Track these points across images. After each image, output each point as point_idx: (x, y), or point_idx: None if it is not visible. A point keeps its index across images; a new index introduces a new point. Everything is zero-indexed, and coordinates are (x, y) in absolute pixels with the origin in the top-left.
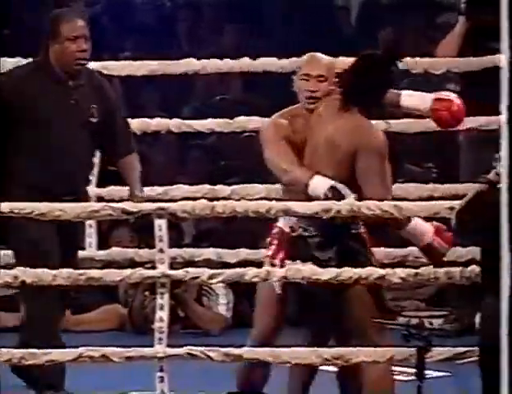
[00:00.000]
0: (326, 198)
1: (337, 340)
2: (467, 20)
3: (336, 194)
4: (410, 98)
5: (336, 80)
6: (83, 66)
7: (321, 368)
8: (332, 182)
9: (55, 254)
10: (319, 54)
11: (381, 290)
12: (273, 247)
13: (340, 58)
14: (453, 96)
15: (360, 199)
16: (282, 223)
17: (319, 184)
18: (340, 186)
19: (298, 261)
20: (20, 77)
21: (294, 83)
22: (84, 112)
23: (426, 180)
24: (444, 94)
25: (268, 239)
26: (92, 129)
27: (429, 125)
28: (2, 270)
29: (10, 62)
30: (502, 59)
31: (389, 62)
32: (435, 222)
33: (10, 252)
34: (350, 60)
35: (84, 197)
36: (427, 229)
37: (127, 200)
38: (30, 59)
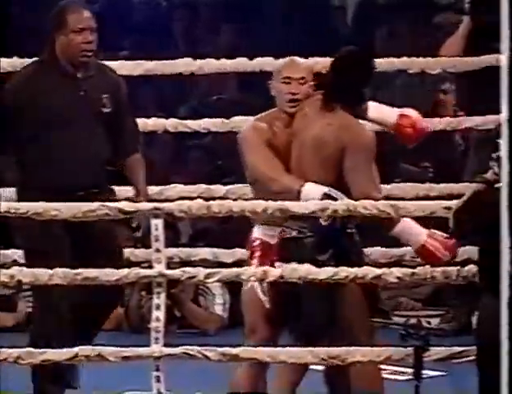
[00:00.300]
0: None
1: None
2: (471, 20)
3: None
4: (377, 111)
5: (312, 83)
6: (89, 57)
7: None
8: (326, 189)
9: (61, 254)
10: (297, 57)
11: (377, 291)
12: (255, 260)
13: (319, 59)
14: (416, 114)
15: (349, 197)
16: (261, 233)
17: (312, 191)
18: (333, 192)
19: (293, 263)
20: (27, 75)
21: (271, 87)
22: (95, 102)
23: (422, 179)
24: (408, 111)
25: (248, 252)
26: (104, 120)
27: None
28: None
29: (7, 62)
30: (502, 59)
31: (366, 59)
32: (433, 230)
33: (9, 252)
34: (328, 60)
35: (105, 192)
36: (418, 231)
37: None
38: (27, 59)
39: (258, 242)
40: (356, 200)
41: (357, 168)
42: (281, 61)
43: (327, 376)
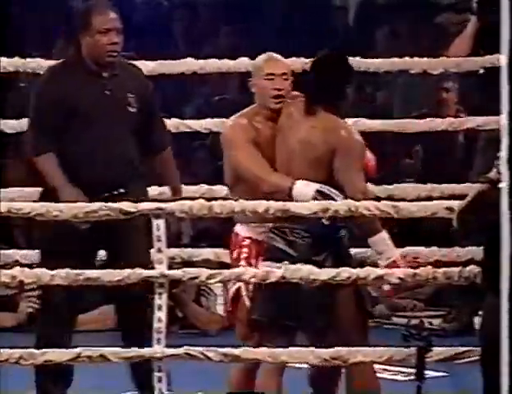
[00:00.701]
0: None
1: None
2: (478, 20)
3: (324, 198)
4: None
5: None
6: (115, 57)
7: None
8: (318, 186)
9: (74, 255)
10: (275, 54)
11: (362, 292)
12: (243, 262)
13: (295, 59)
14: (368, 154)
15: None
16: (250, 231)
17: (304, 189)
18: (325, 188)
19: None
20: (54, 76)
21: (252, 85)
22: (121, 101)
23: (416, 167)
24: None
25: (235, 252)
26: (130, 120)
27: (430, 124)
28: (1, 270)
29: (7, 62)
30: (502, 59)
31: (343, 59)
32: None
33: (10, 252)
34: (304, 61)
35: (133, 193)
36: (393, 247)
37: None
38: (28, 59)
39: (247, 242)
40: (351, 198)
41: (349, 168)
42: (259, 58)
43: (312, 378)
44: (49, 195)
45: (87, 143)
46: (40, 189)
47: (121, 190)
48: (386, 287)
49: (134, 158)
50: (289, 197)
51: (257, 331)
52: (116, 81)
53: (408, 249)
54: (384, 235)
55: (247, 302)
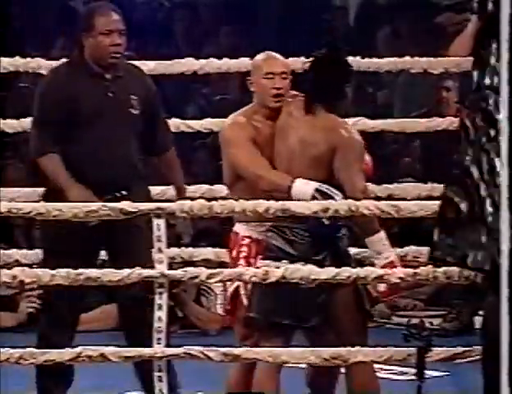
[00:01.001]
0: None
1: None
2: (479, 19)
3: (324, 196)
4: None
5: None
6: (117, 59)
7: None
8: (317, 184)
9: (77, 254)
10: (274, 53)
11: (361, 291)
12: (243, 261)
13: (293, 59)
14: (365, 155)
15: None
16: (249, 230)
17: (303, 187)
18: (324, 187)
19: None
20: (58, 78)
21: (251, 83)
22: (124, 103)
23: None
24: None
25: (234, 251)
26: (133, 122)
27: (428, 124)
28: (1, 270)
29: (8, 62)
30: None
31: (342, 58)
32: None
33: (10, 252)
34: (301, 60)
35: (136, 194)
36: (390, 248)
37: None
38: (29, 59)
39: (247, 241)
40: (351, 197)
41: (349, 167)
42: (258, 57)
43: (310, 378)
44: (52, 196)
45: (89, 144)
46: (42, 189)
47: (124, 193)
48: (382, 287)
49: (136, 160)
50: (288, 196)
51: (253, 329)
52: (119, 83)
53: (408, 248)
54: (382, 235)
55: (245, 301)
